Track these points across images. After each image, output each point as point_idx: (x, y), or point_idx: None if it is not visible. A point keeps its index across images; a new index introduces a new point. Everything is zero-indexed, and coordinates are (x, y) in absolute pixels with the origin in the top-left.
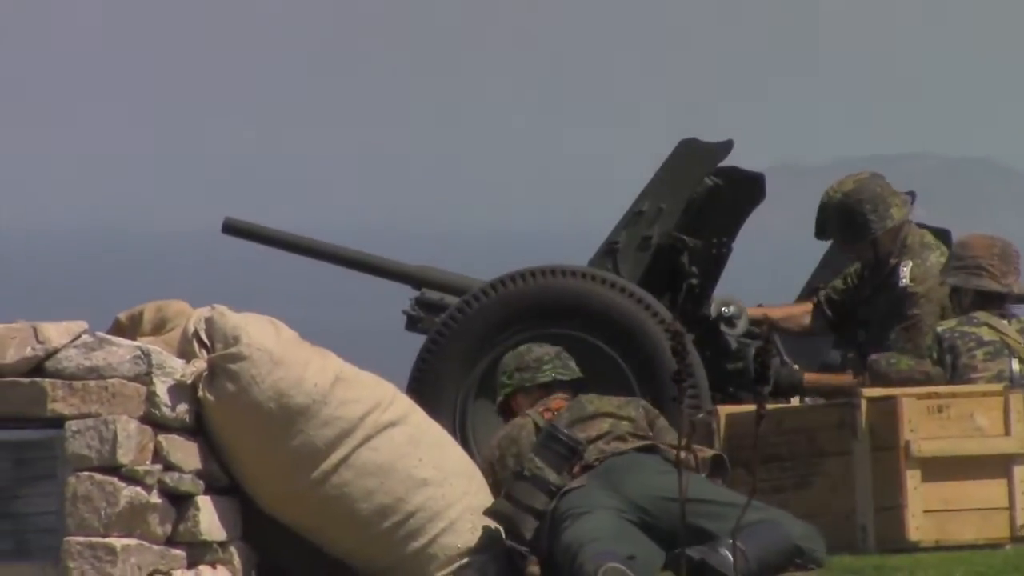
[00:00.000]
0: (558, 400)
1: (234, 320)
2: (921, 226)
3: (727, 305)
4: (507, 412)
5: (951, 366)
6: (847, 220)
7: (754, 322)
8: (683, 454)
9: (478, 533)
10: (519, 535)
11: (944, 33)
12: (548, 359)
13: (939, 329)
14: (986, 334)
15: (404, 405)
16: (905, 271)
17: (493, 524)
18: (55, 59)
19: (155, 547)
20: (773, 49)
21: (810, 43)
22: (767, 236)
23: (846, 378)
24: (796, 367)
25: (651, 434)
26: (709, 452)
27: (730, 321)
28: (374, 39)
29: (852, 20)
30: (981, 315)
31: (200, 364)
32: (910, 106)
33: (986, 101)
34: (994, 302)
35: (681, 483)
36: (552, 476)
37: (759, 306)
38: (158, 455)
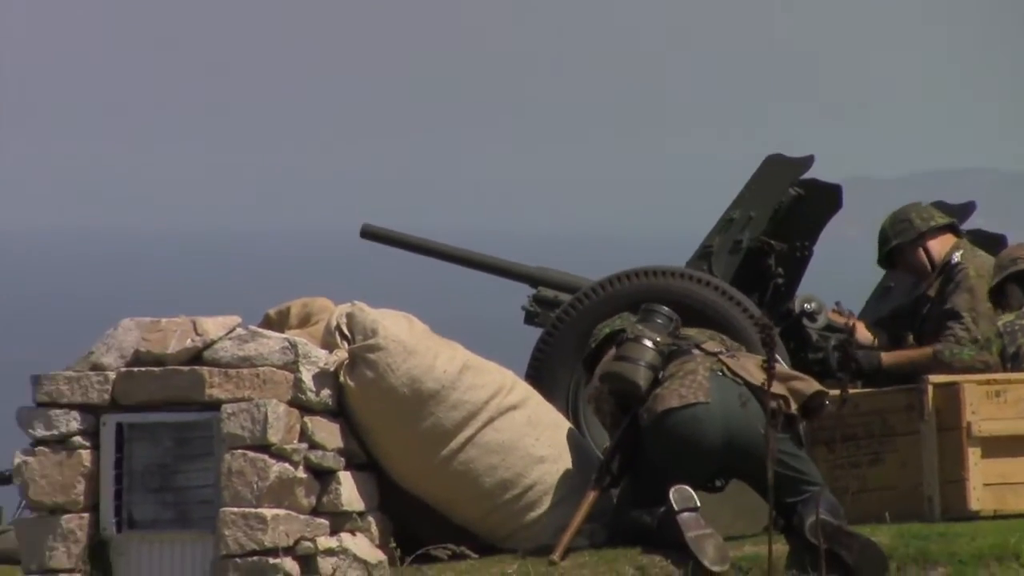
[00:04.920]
0: None
1: (372, 315)
2: (977, 232)
3: (809, 302)
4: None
5: (1012, 355)
6: (897, 230)
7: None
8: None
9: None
10: (632, 385)
11: (1010, 51)
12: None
13: (1000, 323)
14: None
15: (523, 390)
16: (957, 255)
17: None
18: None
19: (301, 517)
20: (850, 69)
21: (885, 63)
22: (843, 243)
23: (922, 350)
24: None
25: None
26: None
27: (811, 316)
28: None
29: (921, 40)
30: None
31: (341, 354)
32: (978, 122)
33: None
34: None
35: (771, 469)
36: (658, 336)
37: (836, 304)
38: (304, 435)
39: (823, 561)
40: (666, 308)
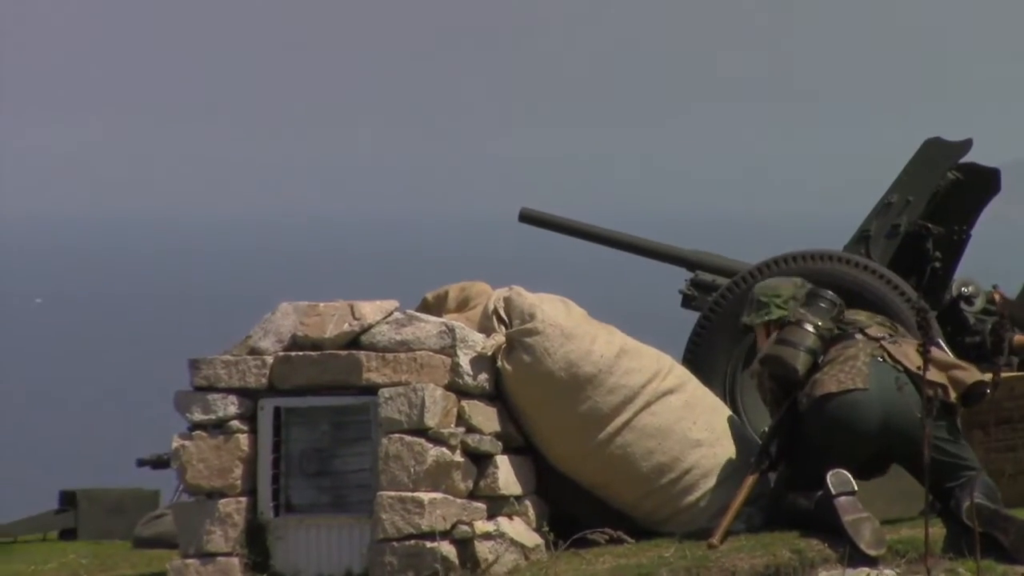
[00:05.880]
0: None
1: (530, 299)
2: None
3: (966, 285)
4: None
5: None
6: None
7: (990, 301)
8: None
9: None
10: (791, 370)
11: None
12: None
13: None
14: None
15: (680, 374)
16: None
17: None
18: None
19: (458, 500)
20: (1012, 56)
21: None
22: (1003, 225)
23: None
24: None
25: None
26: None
27: (969, 300)
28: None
29: None
30: None
31: (499, 338)
32: None
33: None
34: None
35: (927, 454)
36: (820, 321)
37: (994, 287)
38: (461, 419)
39: (979, 544)
40: (831, 292)
